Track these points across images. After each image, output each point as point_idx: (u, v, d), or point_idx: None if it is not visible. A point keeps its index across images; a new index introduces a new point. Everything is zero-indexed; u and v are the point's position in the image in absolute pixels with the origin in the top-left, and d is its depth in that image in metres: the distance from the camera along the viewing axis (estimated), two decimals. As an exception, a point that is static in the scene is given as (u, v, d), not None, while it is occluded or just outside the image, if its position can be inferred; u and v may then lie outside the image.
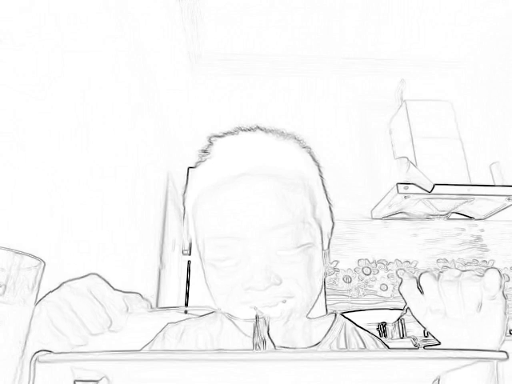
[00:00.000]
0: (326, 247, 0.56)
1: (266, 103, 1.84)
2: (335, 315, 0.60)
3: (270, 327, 0.47)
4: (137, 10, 1.36)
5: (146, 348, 0.56)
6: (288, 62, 1.80)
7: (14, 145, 0.70)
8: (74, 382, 0.36)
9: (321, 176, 0.58)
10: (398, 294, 0.47)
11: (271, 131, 0.57)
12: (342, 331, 0.57)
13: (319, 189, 0.56)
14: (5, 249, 0.39)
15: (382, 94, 1.94)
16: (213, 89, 1.85)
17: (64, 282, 0.44)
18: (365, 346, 0.56)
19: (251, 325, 0.50)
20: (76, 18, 0.96)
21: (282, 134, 0.56)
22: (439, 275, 0.44)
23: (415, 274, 0.46)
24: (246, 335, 0.54)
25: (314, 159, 0.58)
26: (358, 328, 0.59)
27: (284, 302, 0.49)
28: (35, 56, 0.78)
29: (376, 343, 0.57)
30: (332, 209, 0.58)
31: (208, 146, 0.57)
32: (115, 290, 0.45)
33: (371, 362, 0.35)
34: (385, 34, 1.67)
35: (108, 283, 0.45)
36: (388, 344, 0.59)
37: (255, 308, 0.48)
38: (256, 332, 0.45)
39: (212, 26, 1.63)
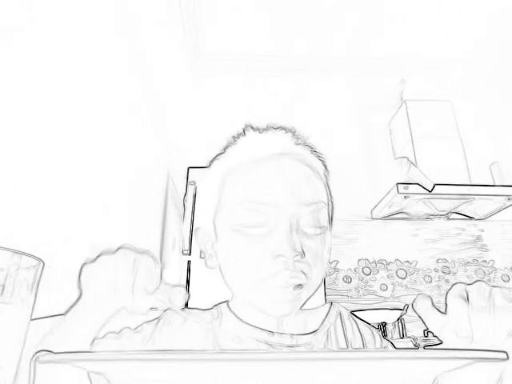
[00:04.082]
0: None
1: (266, 103, 1.84)
2: (331, 304, 0.61)
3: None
4: (137, 10, 1.36)
5: (151, 324, 0.56)
6: (288, 62, 1.80)
7: (15, 145, 0.70)
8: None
9: (326, 176, 0.62)
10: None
11: (290, 131, 0.60)
12: (338, 318, 0.58)
13: (327, 186, 0.61)
14: (4, 248, 0.39)
15: (382, 93, 1.94)
16: (213, 89, 1.85)
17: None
18: (361, 334, 0.57)
19: (255, 315, 0.53)
20: (76, 18, 0.96)
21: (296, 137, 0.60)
22: (468, 295, 0.42)
23: (426, 293, 0.44)
24: (249, 325, 0.54)
25: (323, 163, 0.62)
26: (354, 316, 0.60)
27: (300, 287, 0.51)
28: (35, 56, 0.78)
29: (372, 332, 0.58)
30: (334, 209, 0.61)
31: (239, 135, 0.61)
32: None
33: (371, 361, 0.35)
34: (385, 33, 1.67)
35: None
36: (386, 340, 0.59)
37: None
38: None
39: (212, 25, 1.63)
